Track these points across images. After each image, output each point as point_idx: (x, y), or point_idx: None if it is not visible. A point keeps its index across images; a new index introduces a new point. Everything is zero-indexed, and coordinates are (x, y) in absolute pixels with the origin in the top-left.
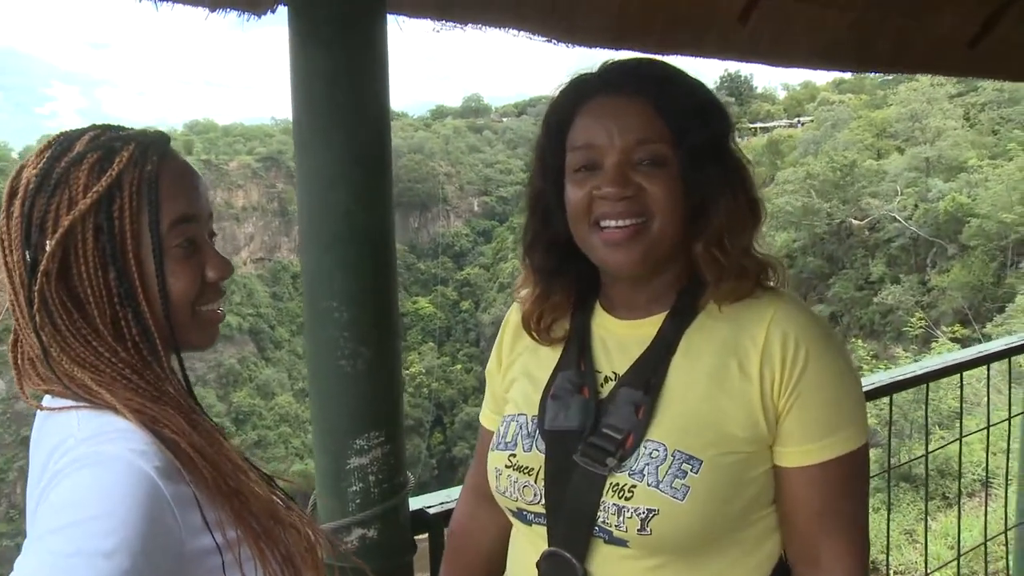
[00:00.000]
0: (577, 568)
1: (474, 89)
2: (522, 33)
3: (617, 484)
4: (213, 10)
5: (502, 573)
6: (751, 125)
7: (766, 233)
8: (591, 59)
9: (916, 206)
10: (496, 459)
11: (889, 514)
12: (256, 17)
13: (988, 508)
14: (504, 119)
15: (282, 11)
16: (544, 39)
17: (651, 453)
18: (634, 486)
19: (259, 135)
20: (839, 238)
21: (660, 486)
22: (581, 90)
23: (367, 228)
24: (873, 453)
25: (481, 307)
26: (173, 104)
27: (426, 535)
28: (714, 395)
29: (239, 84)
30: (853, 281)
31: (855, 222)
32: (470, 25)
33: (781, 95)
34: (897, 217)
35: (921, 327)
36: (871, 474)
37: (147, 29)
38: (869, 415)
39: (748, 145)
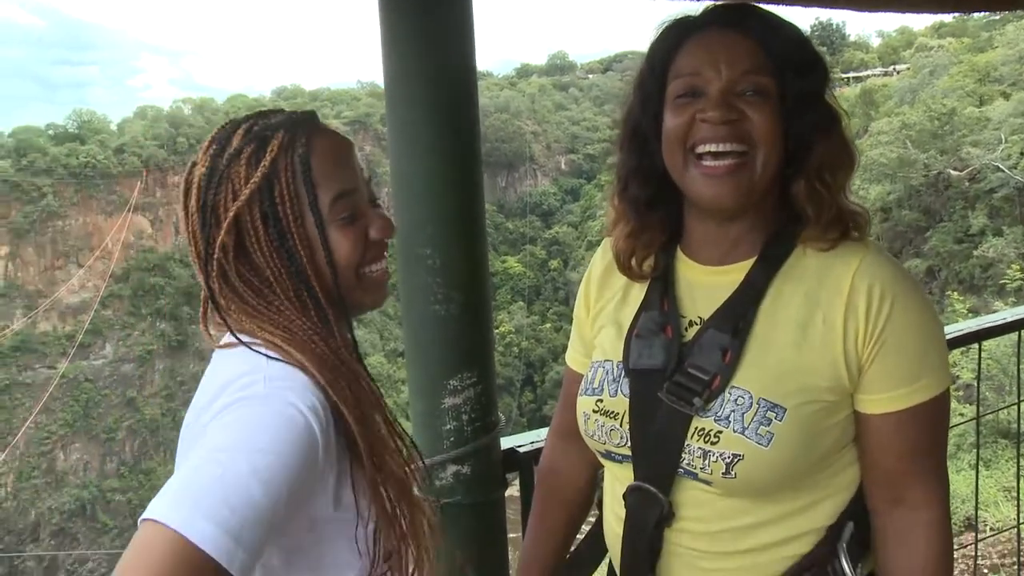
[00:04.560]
0: (662, 501)
1: (559, 47)
2: None
3: (703, 429)
4: None
5: (590, 508)
6: (844, 75)
7: (860, 187)
8: (674, 12)
9: (1022, 154)
10: (584, 404)
11: (978, 466)
12: None
13: None
14: (590, 76)
15: None
16: None
17: (736, 399)
18: (720, 432)
19: (346, 99)
20: (937, 190)
21: (746, 432)
22: (688, 24)
23: (457, 181)
24: (969, 408)
25: (570, 265)
26: (260, 71)
27: (517, 473)
28: (799, 344)
29: (323, 48)
30: (951, 234)
31: (954, 173)
32: None
33: (875, 43)
34: (1000, 167)
35: (1020, 279)
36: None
37: None
38: (964, 368)
39: (841, 95)
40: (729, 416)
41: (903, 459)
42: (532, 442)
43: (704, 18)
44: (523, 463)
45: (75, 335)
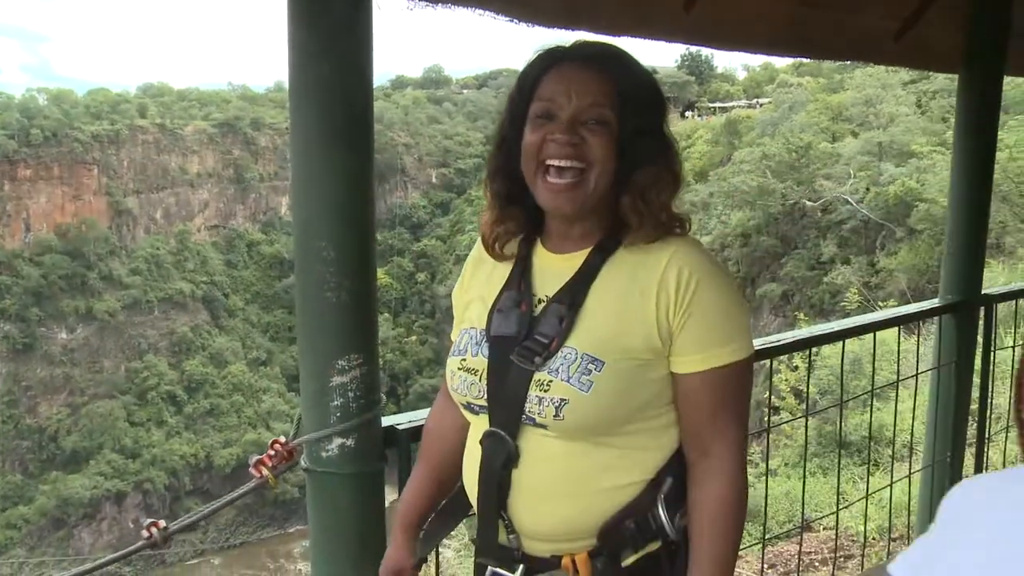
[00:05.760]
0: (510, 444)
1: (435, 61)
2: (487, 13)
3: (539, 380)
4: None
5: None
6: (710, 104)
7: (722, 211)
8: (548, 37)
9: (868, 189)
10: (452, 363)
11: (767, 468)
12: None
13: (904, 462)
14: (465, 91)
15: None
16: (506, 19)
17: (566, 356)
18: (551, 381)
19: (216, 100)
20: (793, 219)
21: (570, 380)
22: (554, 56)
23: (351, 180)
24: (812, 421)
25: (437, 279)
26: (125, 65)
27: (395, 449)
28: (619, 313)
29: (193, 47)
30: (805, 261)
31: (809, 203)
32: (440, 5)
33: (741, 76)
34: (849, 200)
35: (858, 302)
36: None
37: None
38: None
39: (707, 124)
40: (559, 368)
41: (708, 414)
42: (410, 421)
43: (570, 52)
44: (401, 440)
45: None
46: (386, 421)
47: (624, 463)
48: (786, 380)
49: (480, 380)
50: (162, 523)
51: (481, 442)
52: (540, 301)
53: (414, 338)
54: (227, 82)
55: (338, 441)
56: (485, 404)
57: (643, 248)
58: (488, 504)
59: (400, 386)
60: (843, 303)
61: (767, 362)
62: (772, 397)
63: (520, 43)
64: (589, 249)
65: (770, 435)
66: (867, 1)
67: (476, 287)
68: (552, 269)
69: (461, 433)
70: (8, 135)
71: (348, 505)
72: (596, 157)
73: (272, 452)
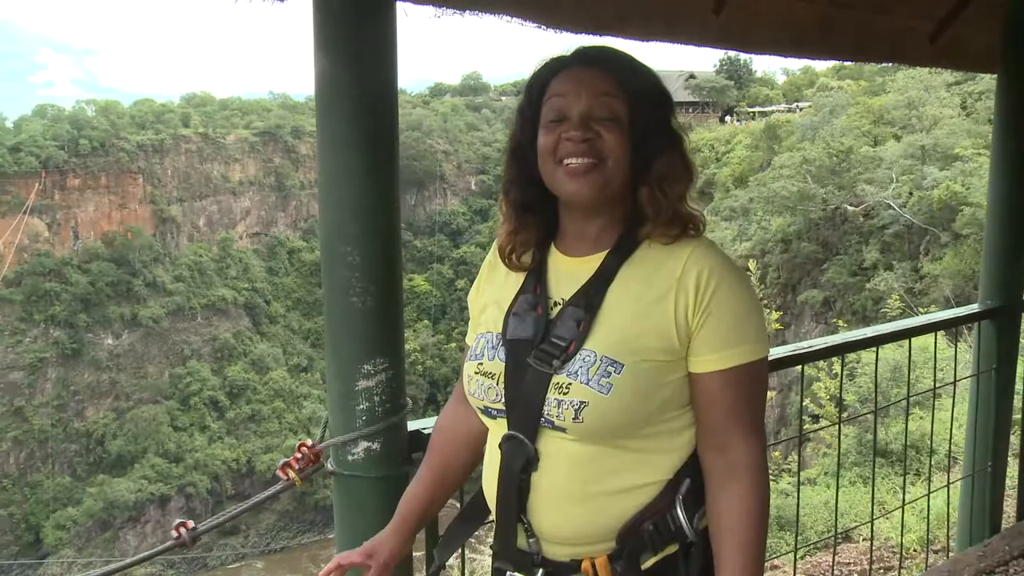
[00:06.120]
0: (529, 447)
1: (473, 68)
2: (515, 20)
3: (558, 383)
4: None
5: (470, 464)
6: (750, 109)
7: (762, 217)
8: (577, 44)
9: (911, 194)
10: (468, 367)
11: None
12: (280, 1)
13: (947, 470)
14: (503, 98)
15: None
16: (534, 25)
17: (585, 358)
18: (570, 384)
19: (257, 109)
20: (834, 224)
21: (590, 383)
22: (560, 62)
23: (376, 186)
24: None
25: None
26: (168, 76)
27: (422, 453)
28: (637, 315)
29: (235, 58)
30: (847, 267)
31: (850, 208)
32: (468, 12)
33: (780, 79)
34: (892, 204)
35: (899, 308)
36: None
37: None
38: (848, 392)
39: (746, 129)
40: (578, 371)
41: (727, 413)
42: None
43: (573, 57)
44: (427, 444)
45: None
46: (412, 425)
47: (642, 465)
48: (826, 388)
49: (497, 384)
50: (191, 523)
51: (500, 446)
52: (556, 304)
53: (453, 345)
54: (268, 91)
55: (364, 444)
56: (503, 408)
57: (660, 249)
58: (507, 508)
59: (440, 393)
60: (884, 309)
61: (799, 368)
62: (812, 404)
63: (559, 50)
64: (605, 252)
65: (804, 443)
66: (899, 3)
67: (491, 291)
68: (567, 272)
69: (468, 437)
70: (59, 146)
71: (373, 508)
72: (611, 151)
73: (299, 455)
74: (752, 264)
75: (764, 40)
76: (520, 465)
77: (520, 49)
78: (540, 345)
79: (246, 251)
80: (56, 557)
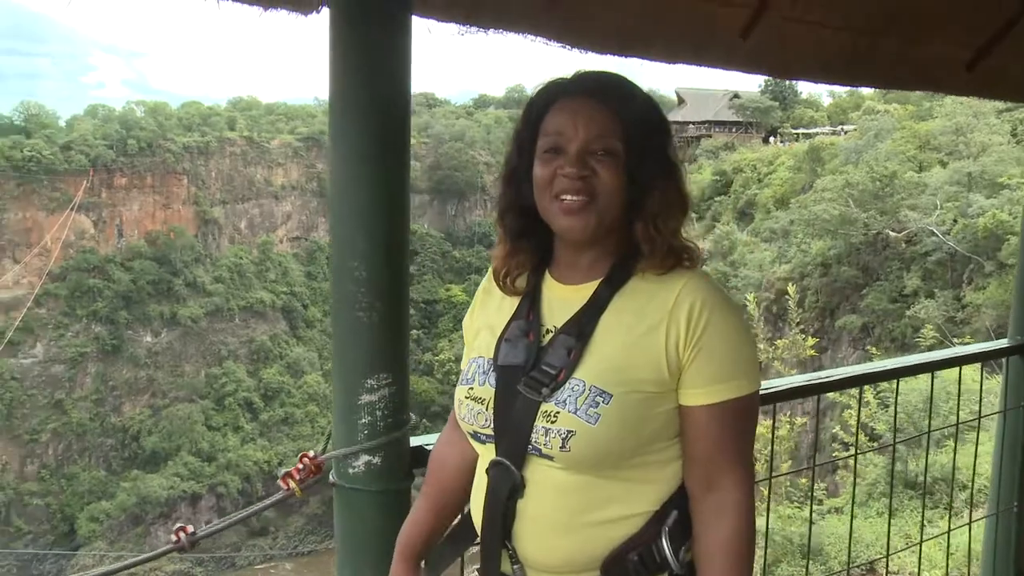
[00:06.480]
0: (516, 474)
1: (518, 81)
2: (539, 39)
3: (547, 411)
4: (266, 9)
5: (466, 490)
6: (793, 131)
7: (802, 240)
8: (604, 64)
9: (955, 221)
10: (459, 392)
11: (812, 501)
12: (303, 15)
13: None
14: None
15: (327, 11)
16: (559, 45)
17: (574, 387)
18: (558, 412)
19: (302, 115)
20: (875, 249)
21: (577, 412)
22: (557, 89)
23: (386, 201)
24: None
25: None
26: (216, 80)
27: (423, 468)
28: (628, 345)
29: (281, 63)
30: (887, 293)
31: (892, 234)
32: (492, 30)
33: (826, 102)
34: (935, 231)
35: (933, 338)
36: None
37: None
38: (879, 420)
39: (789, 150)
40: (566, 400)
41: (716, 447)
42: None
43: (572, 85)
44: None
45: (5, 332)
46: (415, 441)
47: (629, 495)
48: (856, 416)
49: (487, 409)
50: (190, 528)
51: (487, 471)
52: (548, 331)
53: None
54: (313, 97)
55: (365, 458)
56: (492, 433)
57: (653, 280)
58: (492, 533)
59: None
60: (916, 339)
61: (816, 398)
62: (842, 432)
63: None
64: (598, 281)
65: (835, 470)
66: (934, 31)
67: (485, 316)
68: (561, 299)
69: (462, 463)
70: (108, 145)
71: (373, 521)
72: (606, 188)
73: (300, 466)
74: (791, 288)
75: (792, 66)
76: (506, 492)
77: (566, 66)
78: (530, 372)
79: (286, 255)
80: (88, 549)
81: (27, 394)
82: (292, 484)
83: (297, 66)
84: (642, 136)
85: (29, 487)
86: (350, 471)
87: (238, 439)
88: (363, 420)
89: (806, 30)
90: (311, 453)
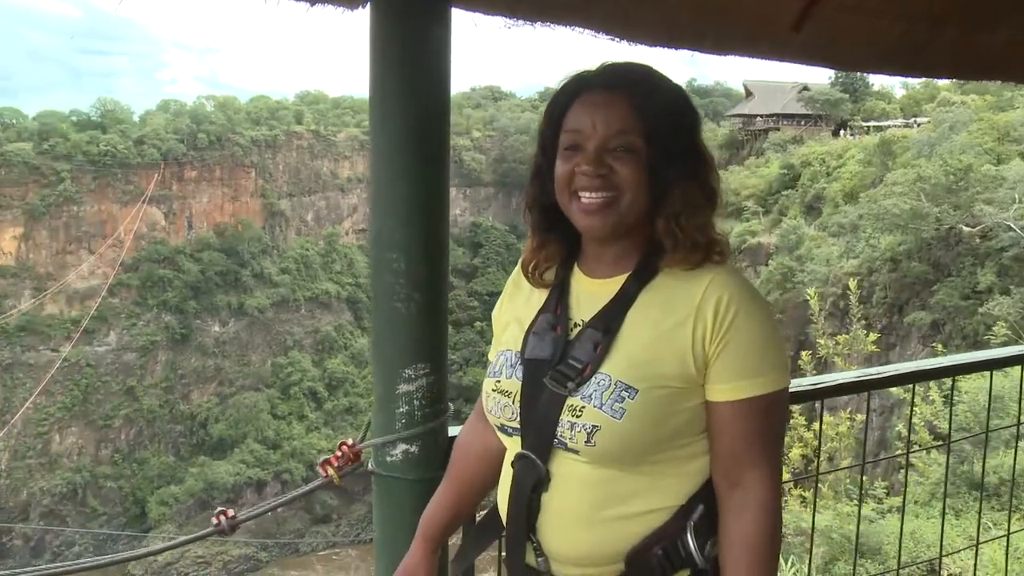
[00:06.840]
0: (540, 467)
1: None
2: (587, 31)
3: (572, 405)
4: (313, 4)
5: (489, 479)
6: (864, 123)
7: (871, 235)
8: (653, 55)
9: None
10: (487, 384)
11: (861, 500)
12: (350, 10)
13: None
14: None
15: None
16: (608, 37)
17: (600, 382)
18: (583, 407)
19: (367, 108)
20: (947, 244)
21: (603, 407)
22: (579, 84)
23: (424, 193)
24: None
25: None
26: (284, 74)
27: None
28: (655, 340)
29: (348, 58)
30: (959, 290)
31: (966, 229)
32: (539, 23)
33: (899, 93)
34: (1013, 226)
35: (1005, 335)
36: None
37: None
38: (941, 418)
39: (859, 143)
40: (592, 395)
41: (741, 443)
42: None
43: (594, 78)
44: None
45: (81, 320)
46: (453, 431)
47: (654, 489)
48: (920, 413)
49: (513, 402)
50: (231, 512)
51: (513, 464)
52: (576, 325)
53: None
54: None
55: (402, 447)
56: (518, 426)
57: (681, 275)
58: (517, 526)
59: None
60: (987, 336)
61: (866, 394)
62: (905, 430)
63: (669, 57)
64: (626, 275)
65: (899, 469)
66: (1001, 18)
67: (514, 309)
68: (589, 293)
69: (484, 452)
70: (179, 139)
71: (411, 509)
72: (625, 185)
73: (339, 453)
74: (852, 283)
75: (848, 57)
76: (531, 485)
77: (631, 57)
78: (557, 366)
79: (351, 247)
80: (158, 532)
81: (101, 380)
82: (331, 471)
83: (363, 60)
84: (666, 130)
85: (103, 470)
86: (388, 459)
87: (303, 427)
88: (401, 409)
89: (861, 20)
90: (349, 441)
